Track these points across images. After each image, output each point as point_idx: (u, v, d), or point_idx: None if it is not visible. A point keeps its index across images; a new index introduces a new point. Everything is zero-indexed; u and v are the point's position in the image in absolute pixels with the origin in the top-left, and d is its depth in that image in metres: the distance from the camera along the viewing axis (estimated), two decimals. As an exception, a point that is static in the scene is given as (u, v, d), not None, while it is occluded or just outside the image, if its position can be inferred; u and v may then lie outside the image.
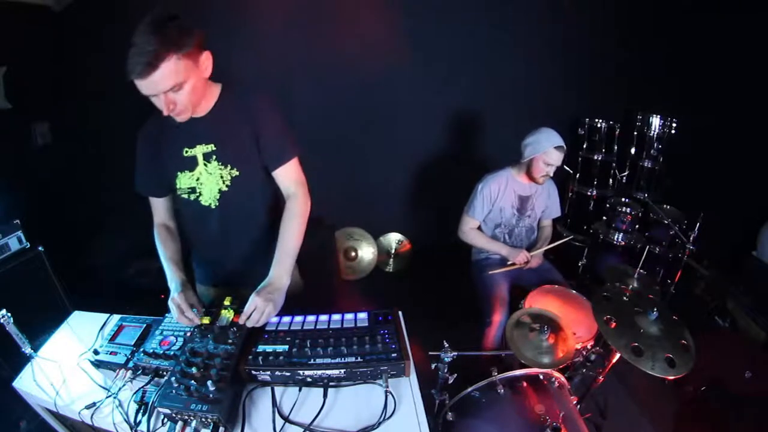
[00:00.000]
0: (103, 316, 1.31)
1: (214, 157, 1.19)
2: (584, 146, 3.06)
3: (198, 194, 1.23)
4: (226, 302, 1.11)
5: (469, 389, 1.38)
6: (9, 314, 1.08)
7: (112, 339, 1.13)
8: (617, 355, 1.44)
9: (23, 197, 2.08)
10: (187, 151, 1.19)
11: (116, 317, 1.25)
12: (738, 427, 1.74)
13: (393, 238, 3.30)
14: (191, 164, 1.20)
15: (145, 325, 1.16)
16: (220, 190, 1.22)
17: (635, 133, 3.00)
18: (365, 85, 2.70)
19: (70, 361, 1.14)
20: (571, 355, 1.43)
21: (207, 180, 1.21)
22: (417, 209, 3.28)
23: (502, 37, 2.73)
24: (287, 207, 1.25)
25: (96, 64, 2.44)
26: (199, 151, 1.19)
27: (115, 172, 2.69)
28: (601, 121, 2.96)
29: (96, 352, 1.08)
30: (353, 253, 3.17)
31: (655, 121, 2.89)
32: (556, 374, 1.45)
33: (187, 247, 1.40)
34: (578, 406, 1.54)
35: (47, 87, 2.45)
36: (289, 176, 1.25)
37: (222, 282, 1.44)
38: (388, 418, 0.92)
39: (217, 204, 1.24)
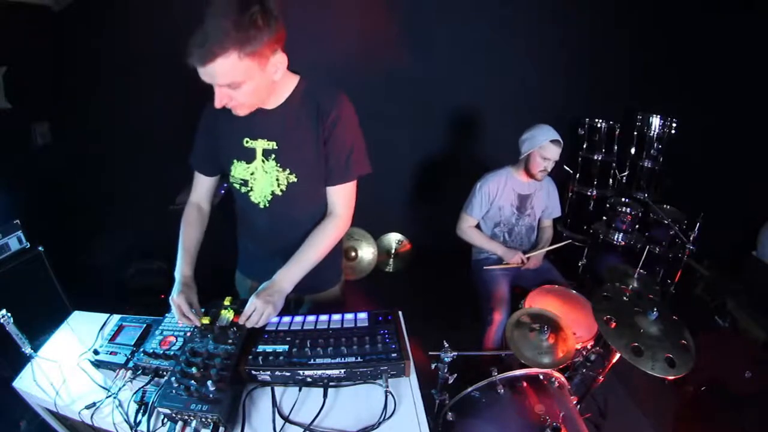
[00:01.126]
0: (103, 316, 1.31)
1: (274, 156, 1.10)
2: (584, 146, 3.06)
3: (249, 188, 1.16)
4: (226, 302, 1.11)
5: (469, 389, 1.38)
6: (9, 314, 1.08)
7: (112, 339, 1.12)
8: (617, 355, 1.44)
9: (23, 197, 2.07)
10: (247, 141, 1.11)
11: (116, 317, 1.25)
12: (738, 427, 1.74)
13: (393, 238, 3.30)
14: (249, 156, 1.12)
15: (145, 325, 1.16)
16: (272, 192, 1.15)
17: (635, 133, 3.00)
18: (365, 85, 2.70)
19: (70, 361, 1.14)
20: (571, 355, 1.43)
21: (261, 177, 1.13)
22: (417, 209, 3.28)
23: (502, 37, 2.73)
24: (326, 221, 1.19)
25: (96, 64, 2.45)
26: (260, 145, 1.10)
27: (115, 172, 2.71)
28: (601, 121, 2.96)
29: (96, 352, 1.08)
30: (353, 253, 3.17)
31: (655, 121, 2.89)
32: (556, 374, 1.45)
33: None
34: (578, 406, 1.54)
35: (47, 87, 2.45)
36: (341, 197, 1.18)
37: (260, 277, 1.35)
38: (388, 418, 0.92)
39: (267, 205, 1.17)
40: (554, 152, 1.90)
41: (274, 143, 1.10)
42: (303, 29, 2.53)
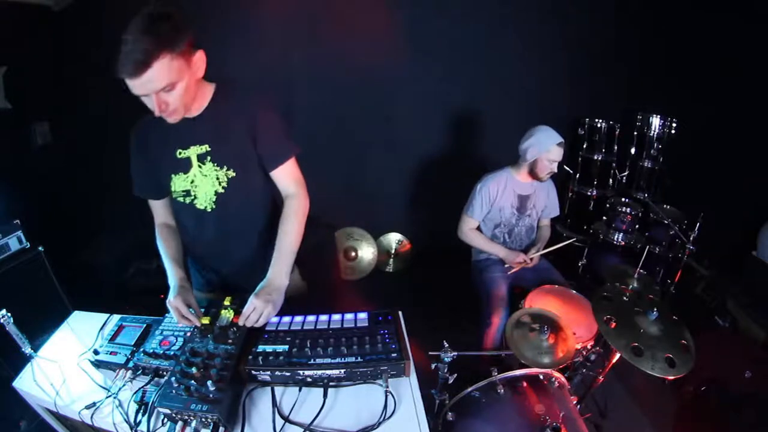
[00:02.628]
0: (103, 316, 1.31)
1: (209, 158, 1.16)
2: (584, 146, 3.06)
3: (193, 197, 1.20)
4: (226, 302, 1.11)
5: (469, 389, 1.38)
6: (9, 314, 1.08)
7: (112, 339, 1.12)
8: (617, 355, 1.44)
9: (23, 197, 2.08)
10: (180, 153, 1.16)
11: (116, 317, 1.25)
12: (738, 427, 1.74)
13: (393, 238, 3.30)
14: (185, 166, 1.17)
15: (145, 325, 1.16)
16: (216, 192, 1.19)
17: (635, 133, 3.00)
18: (365, 85, 2.70)
19: (70, 361, 1.14)
20: (571, 355, 1.43)
21: (202, 182, 1.18)
22: (417, 209, 3.28)
23: (502, 37, 2.73)
24: (285, 206, 1.24)
25: (96, 64, 2.44)
26: (193, 152, 1.15)
27: (115, 172, 2.70)
28: (601, 121, 2.96)
29: (96, 352, 1.08)
30: (353, 253, 3.17)
31: (655, 121, 2.89)
32: (556, 374, 1.45)
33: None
34: (578, 406, 1.54)
35: (47, 87, 2.45)
36: (287, 176, 1.24)
37: (219, 287, 1.41)
38: (388, 418, 0.92)
39: (214, 206, 1.21)
40: (560, 154, 1.90)
41: (206, 146, 1.15)
42: (301, 30, 2.54)
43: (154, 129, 1.13)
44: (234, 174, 1.18)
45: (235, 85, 1.19)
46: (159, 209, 1.33)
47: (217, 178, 1.18)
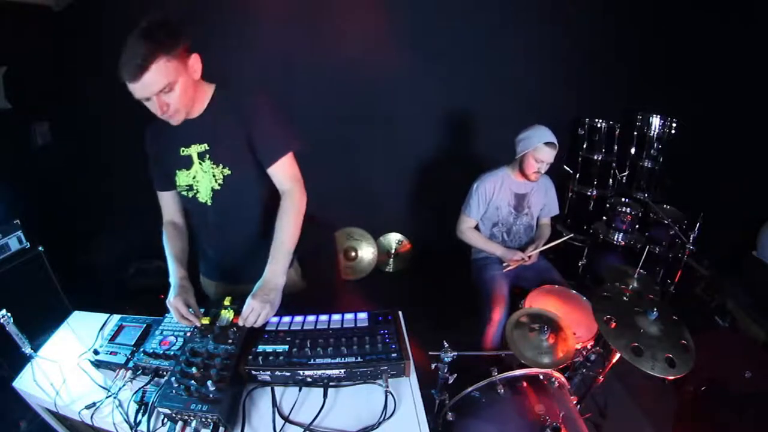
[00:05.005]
0: (103, 316, 1.31)
1: (208, 156, 1.21)
2: (584, 146, 3.06)
3: (195, 191, 1.26)
4: (226, 302, 1.12)
5: (469, 389, 1.38)
6: (9, 314, 1.08)
7: (112, 339, 1.13)
8: (617, 355, 1.44)
9: (23, 197, 2.08)
10: (183, 150, 1.23)
11: (116, 317, 1.26)
12: (738, 427, 1.74)
13: (393, 238, 3.30)
14: (187, 163, 1.23)
15: (145, 325, 1.16)
16: (212, 189, 1.25)
17: (635, 133, 3.00)
18: (365, 85, 2.70)
19: (70, 361, 1.14)
20: (571, 355, 1.43)
21: (202, 177, 1.24)
22: (417, 209, 3.28)
23: (502, 37, 2.73)
24: (282, 204, 1.25)
25: (96, 64, 2.44)
26: (193, 150, 1.22)
27: (115, 172, 2.71)
28: (601, 121, 2.96)
29: (96, 352, 1.08)
30: (353, 253, 3.17)
31: (655, 121, 2.89)
32: (556, 374, 1.45)
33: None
34: (578, 406, 1.54)
35: (47, 87, 2.45)
36: (283, 173, 1.25)
37: (223, 277, 1.46)
38: (388, 418, 0.92)
39: (212, 202, 1.27)
40: (548, 155, 1.87)
41: (206, 145, 1.21)
42: (302, 30, 2.54)
43: (163, 128, 1.19)
44: (229, 172, 1.22)
45: (234, 85, 1.23)
46: (168, 203, 1.38)
47: (214, 176, 1.23)
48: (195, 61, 1.10)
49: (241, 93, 1.22)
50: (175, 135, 1.21)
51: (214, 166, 1.22)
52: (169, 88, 1.03)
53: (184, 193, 1.28)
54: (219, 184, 1.23)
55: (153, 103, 1.05)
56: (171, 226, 1.37)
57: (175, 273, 1.21)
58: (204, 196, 1.26)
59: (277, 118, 1.23)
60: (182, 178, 1.25)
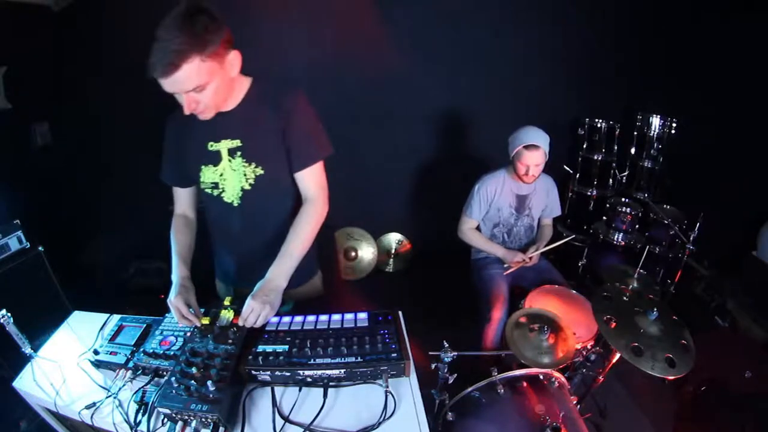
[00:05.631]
0: (103, 316, 1.31)
1: (239, 153, 1.15)
2: (584, 146, 3.06)
3: (221, 190, 1.20)
4: (226, 302, 1.11)
5: (469, 389, 1.38)
6: (9, 314, 1.08)
7: (112, 339, 1.12)
8: (617, 355, 1.44)
9: (23, 197, 2.08)
10: (212, 145, 1.16)
11: (116, 317, 1.25)
12: (738, 427, 1.74)
13: (393, 238, 3.30)
14: (215, 159, 1.17)
15: (145, 325, 1.16)
16: (242, 188, 1.18)
17: (635, 133, 3.00)
18: (365, 85, 2.70)
19: (70, 361, 1.14)
20: (571, 355, 1.43)
21: (230, 176, 1.17)
22: (417, 209, 3.28)
23: (502, 37, 2.73)
24: (303, 210, 1.21)
25: (96, 64, 2.45)
26: (224, 146, 1.15)
27: (115, 172, 2.71)
28: (601, 121, 2.96)
29: (96, 352, 1.08)
30: (353, 253, 3.17)
31: (655, 121, 2.89)
32: (556, 374, 1.45)
33: (210, 241, 1.39)
34: (578, 406, 1.54)
35: (47, 87, 2.45)
36: (310, 180, 1.21)
37: (241, 281, 1.39)
38: (388, 418, 0.92)
39: (240, 202, 1.21)
40: (530, 157, 1.84)
41: (238, 141, 1.14)
42: (302, 30, 2.54)
43: (189, 118, 1.09)
44: (262, 171, 1.16)
45: (272, 79, 1.17)
46: (182, 198, 1.33)
47: (245, 174, 1.16)
48: (234, 59, 1.03)
49: (280, 87, 1.15)
50: (204, 127, 1.13)
51: (246, 164, 1.15)
52: (201, 88, 0.98)
53: (208, 191, 1.21)
54: (250, 184, 1.17)
55: (181, 98, 0.99)
56: (182, 218, 1.32)
57: (177, 271, 1.18)
58: (230, 195, 1.20)
59: (314, 119, 1.18)
60: (208, 174, 1.18)
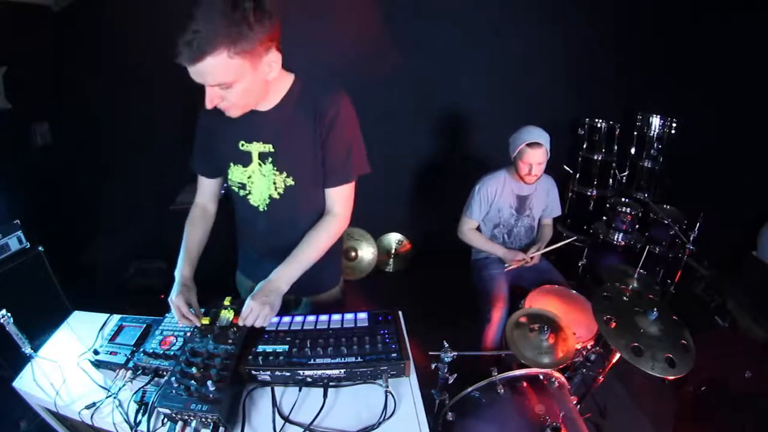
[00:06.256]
0: (103, 316, 1.31)
1: (271, 159, 1.08)
2: (584, 146, 3.06)
3: (248, 192, 1.15)
4: (226, 302, 1.11)
5: (469, 389, 1.38)
6: (9, 314, 1.08)
7: (112, 339, 1.12)
8: (617, 355, 1.44)
9: (23, 197, 2.08)
10: (243, 145, 1.09)
11: (116, 317, 1.25)
12: (738, 427, 1.74)
13: (393, 238, 3.30)
14: (245, 159, 1.10)
15: (145, 325, 1.16)
16: (270, 196, 1.13)
17: (635, 133, 3.00)
18: (365, 85, 2.70)
19: (70, 361, 1.14)
20: (571, 355, 1.43)
21: (258, 180, 1.12)
22: (417, 209, 3.28)
23: (502, 37, 2.73)
24: (323, 220, 1.16)
25: (96, 64, 2.45)
26: (255, 148, 1.08)
27: (115, 172, 2.72)
28: (601, 121, 2.96)
29: (96, 352, 1.08)
30: (353, 253, 3.17)
31: (655, 121, 2.89)
32: (556, 374, 1.45)
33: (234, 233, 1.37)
34: (578, 406, 1.54)
35: (47, 87, 2.45)
36: (341, 197, 1.16)
37: (260, 278, 1.34)
38: (388, 418, 0.92)
39: (266, 209, 1.16)
40: (533, 156, 1.83)
41: (270, 146, 1.07)
42: (302, 29, 2.54)
43: (221, 112, 1.00)
44: (293, 183, 1.10)
45: (316, 78, 1.08)
46: (205, 188, 1.28)
47: (274, 183, 1.10)
48: (274, 60, 0.92)
49: (324, 88, 1.06)
50: (237, 125, 1.05)
51: (277, 172, 1.08)
52: (227, 85, 0.89)
53: (236, 189, 1.17)
54: (279, 194, 1.11)
55: (207, 89, 0.89)
56: (201, 209, 1.28)
57: (180, 270, 1.15)
58: (257, 200, 1.15)
59: (356, 130, 1.11)
60: (236, 174, 1.12)
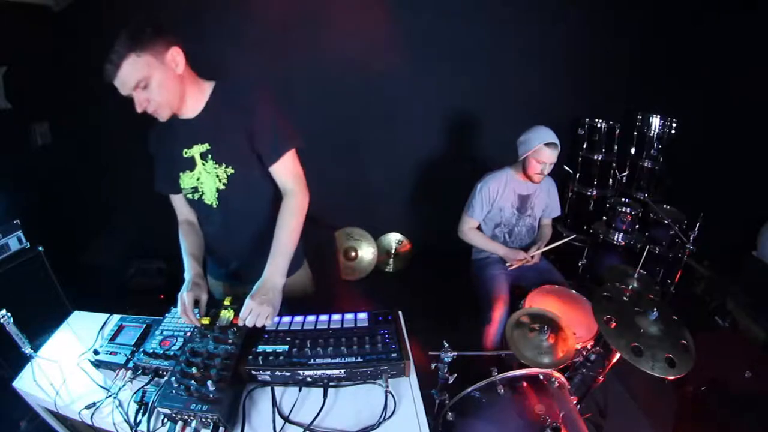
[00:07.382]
0: (103, 316, 1.31)
1: (210, 156, 1.19)
2: (584, 146, 3.06)
3: (201, 193, 1.25)
4: (226, 302, 1.12)
5: (469, 389, 1.38)
6: (9, 314, 1.08)
7: (112, 339, 1.13)
8: (617, 355, 1.44)
9: (23, 197, 2.08)
10: (186, 152, 1.20)
11: (116, 317, 1.25)
12: (738, 427, 1.74)
13: (393, 238, 3.30)
14: (191, 165, 1.21)
15: (145, 325, 1.16)
16: (217, 189, 1.22)
17: (635, 133, 3.00)
18: (365, 85, 2.70)
19: (70, 361, 1.14)
20: (571, 355, 1.43)
21: (206, 178, 1.22)
22: (417, 209, 3.28)
23: (502, 37, 2.73)
24: (284, 204, 1.24)
25: (96, 64, 2.44)
26: (196, 151, 1.20)
27: (115, 172, 2.71)
28: (601, 121, 2.96)
29: (96, 352, 1.08)
30: (353, 253, 3.17)
31: (655, 121, 2.89)
32: (556, 374, 1.45)
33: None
34: (578, 406, 1.54)
35: (47, 87, 2.45)
36: (284, 171, 1.23)
37: (230, 277, 1.44)
38: (388, 418, 0.92)
39: (218, 203, 1.25)
40: (549, 155, 1.86)
41: (207, 144, 1.19)
42: (302, 29, 2.54)
43: (166, 129, 1.19)
44: (233, 171, 1.20)
45: (234, 81, 1.21)
46: (179, 205, 1.38)
47: (218, 176, 1.21)
48: (175, 54, 1.07)
49: (241, 87, 1.19)
50: (177, 137, 1.20)
51: (217, 165, 1.19)
52: (144, 83, 1.03)
53: (189, 196, 1.27)
54: (224, 184, 1.21)
55: (135, 99, 1.05)
56: (186, 224, 1.37)
57: (189, 269, 1.20)
58: (209, 197, 1.24)
59: (278, 112, 1.20)
60: (186, 180, 1.23)
